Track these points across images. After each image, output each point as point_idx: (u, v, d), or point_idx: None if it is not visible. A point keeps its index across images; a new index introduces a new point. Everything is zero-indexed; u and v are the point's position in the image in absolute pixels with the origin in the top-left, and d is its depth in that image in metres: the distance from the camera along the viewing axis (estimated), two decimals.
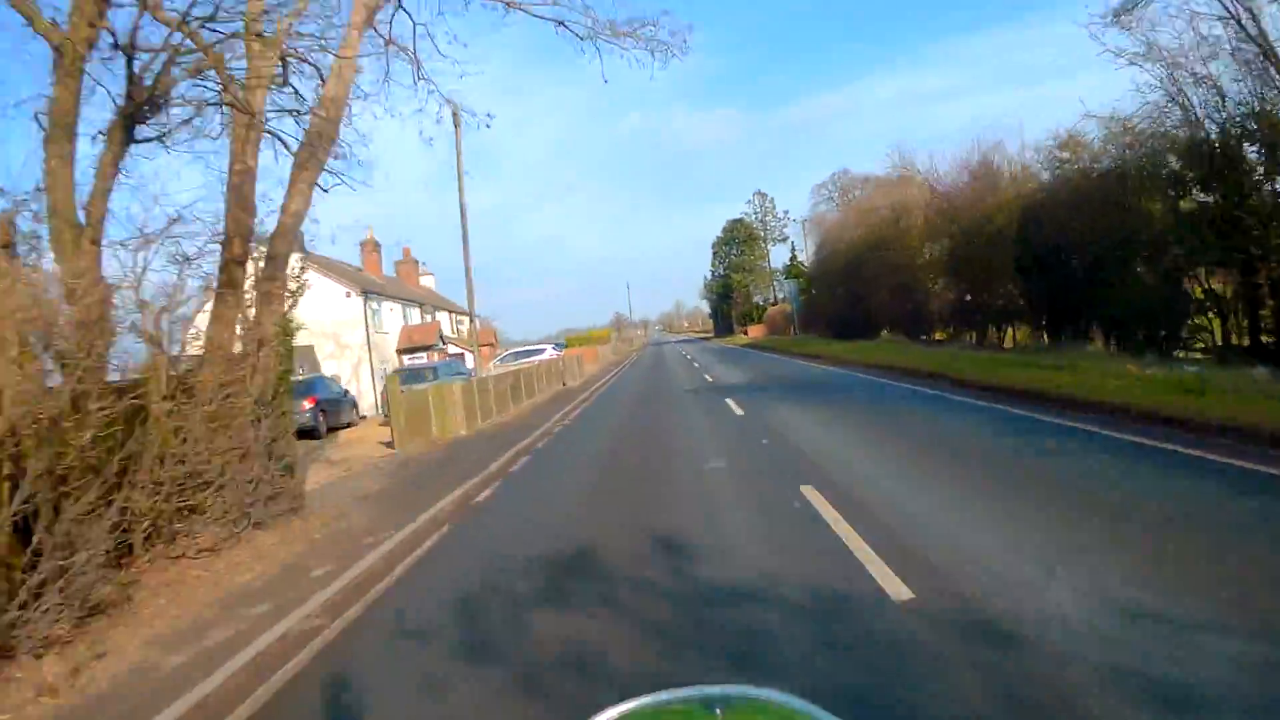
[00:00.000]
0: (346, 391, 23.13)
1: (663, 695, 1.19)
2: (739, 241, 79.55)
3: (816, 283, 47.23)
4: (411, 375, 21.02)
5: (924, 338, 29.49)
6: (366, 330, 28.57)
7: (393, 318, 32.85)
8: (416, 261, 47.49)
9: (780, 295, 76.03)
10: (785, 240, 78.18)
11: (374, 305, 29.90)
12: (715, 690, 1.20)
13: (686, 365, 34.35)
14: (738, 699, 1.18)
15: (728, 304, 79.76)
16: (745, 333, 73.05)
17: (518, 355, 34.37)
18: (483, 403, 17.88)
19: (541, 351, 34.14)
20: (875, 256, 32.45)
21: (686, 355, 45.89)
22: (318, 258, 29.65)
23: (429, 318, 38.48)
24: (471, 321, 23.34)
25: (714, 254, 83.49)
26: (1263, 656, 3.06)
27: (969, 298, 26.31)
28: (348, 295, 28.82)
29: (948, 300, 28.86)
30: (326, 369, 28.30)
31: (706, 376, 25.15)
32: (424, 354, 31.45)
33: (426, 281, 51.38)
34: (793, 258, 75.91)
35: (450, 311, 47.06)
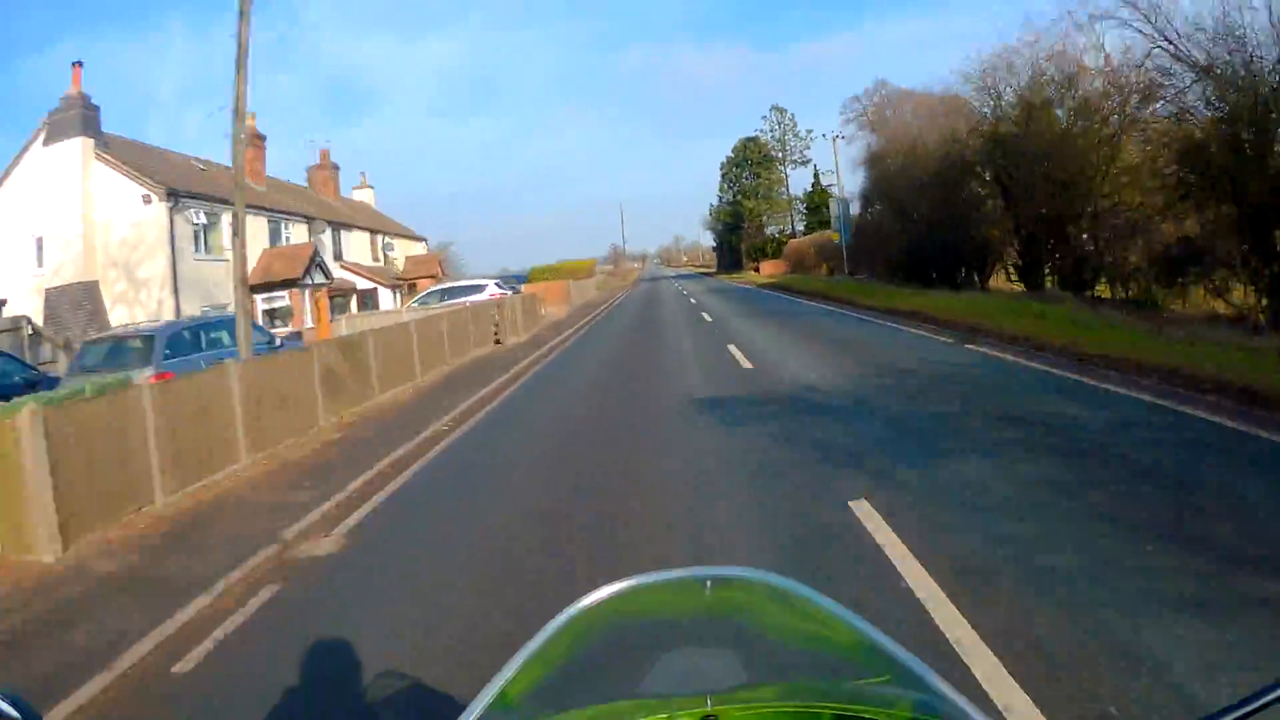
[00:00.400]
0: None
1: (656, 576, 1.29)
2: (752, 164, 67.60)
3: (873, 210, 35.63)
4: (109, 353, 10.33)
5: (1089, 294, 18.11)
6: (171, 253, 17.84)
7: (257, 239, 22.01)
8: (336, 167, 36.22)
9: (799, 227, 64.75)
10: (806, 164, 66.44)
11: (194, 216, 19.02)
12: (701, 571, 1.32)
13: (690, 319, 23.16)
14: (726, 577, 1.31)
15: (736, 235, 68.18)
16: (756, 269, 62.03)
17: (446, 294, 23.68)
18: (252, 420, 7.52)
19: (479, 289, 23.44)
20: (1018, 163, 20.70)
21: (687, 295, 36.62)
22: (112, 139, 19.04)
23: (333, 241, 27.66)
24: (236, 234, 12.83)
25: (722, 177, 71.69)
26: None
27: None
28: (146, 200, 18.02)
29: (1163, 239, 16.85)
30: (117, 317, 17.78)
31: (741, 360, 12.48)
32: (284, 293, 20.69)
33: (363, 196, 40.24)
34: (815, 183, 64.33)
35: (383, 234, 36.08)
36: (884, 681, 1.09)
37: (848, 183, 48.55)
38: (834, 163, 48.43)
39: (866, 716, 0.96)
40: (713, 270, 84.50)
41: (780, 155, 67.48)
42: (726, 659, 1.21)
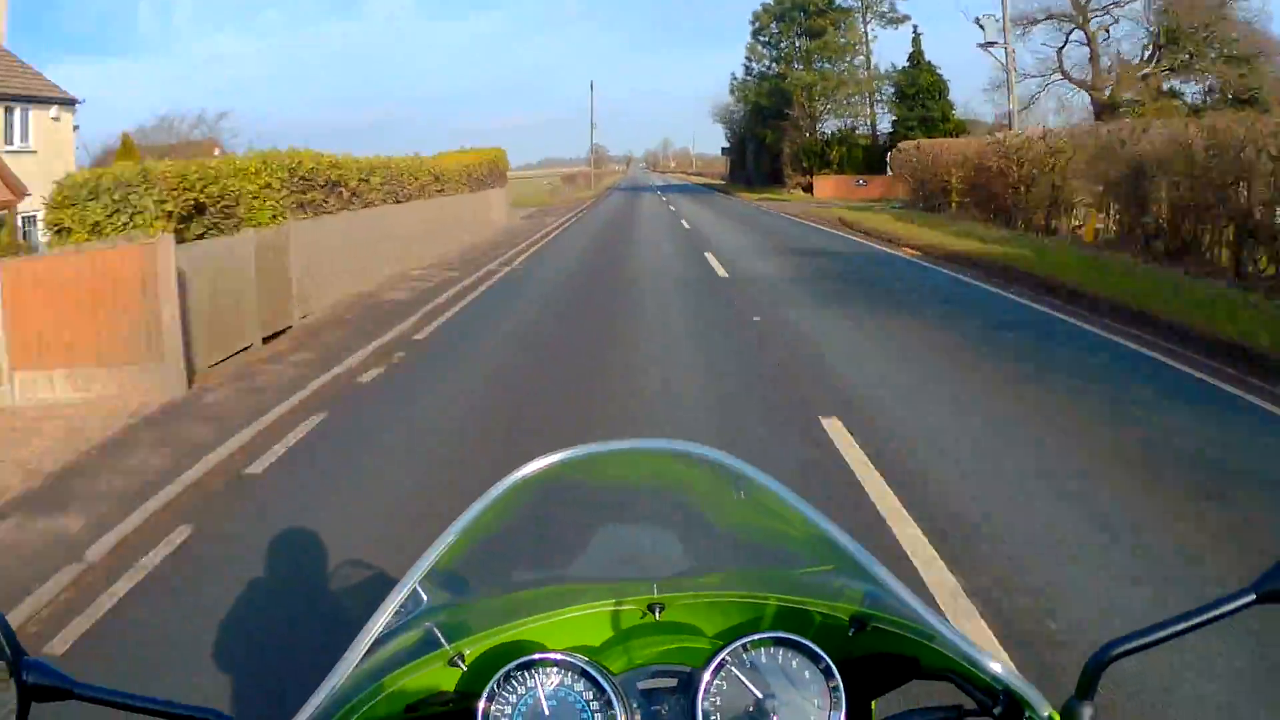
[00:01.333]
0: None
1: (603, 445, 1.16)
2: (810, 13, 41.00)
3: None
4: None
5: None
6: None
7: None
8: None
9: (885, 125, 39.42)
10: (900, 22, 40.10)
11: None
12: (658, 443, 1.19)
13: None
14: (677, 452, 1.20)
15: (771, 130, 41.11)
16: (806, 186, 37.23)
17: None
18: None
19: None
20: None
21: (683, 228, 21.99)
22: None
23: None
24: None
25: (754, 34, 44.35)
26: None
27: None
28: None
29: None
30: None
31: None
32: None
33: None
34: (916, 53, 38.56)
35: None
36: (829, 570, 1.10)
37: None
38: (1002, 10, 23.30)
39: (811, 608, 1.02)
40: (722, 183, 59.17)
41: (860, 5, 40.90)
42: (669, 539, 1.24)
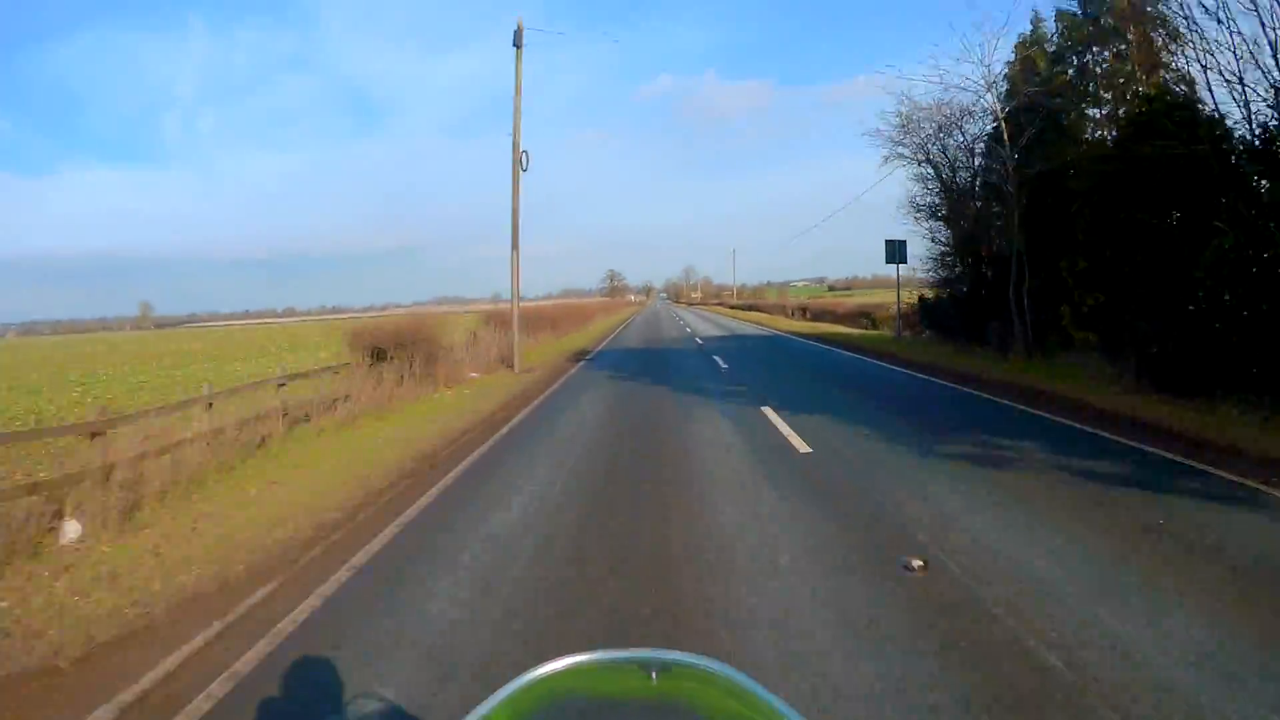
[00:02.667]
0: None
1: (607, 654, 1.23)
2: None
3: None
4: None
5: None
6: None
7: None
8: None
9: None
10: None
11: None
12: (652, 654, 1.22)
13: None
14: (675, 664, 1.21)
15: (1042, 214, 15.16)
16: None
17: None
18: None
19: None
20: None
21: None
22: None
23: None
24: None
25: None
26: None
27: None
28: None
29: None
30: None
31: None
32: None
33: None
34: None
35: None
36: None
37: None
38: None
39: None
40: (805, 326, 37.24)
41: None
42: None
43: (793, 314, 48.25)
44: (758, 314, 56.81)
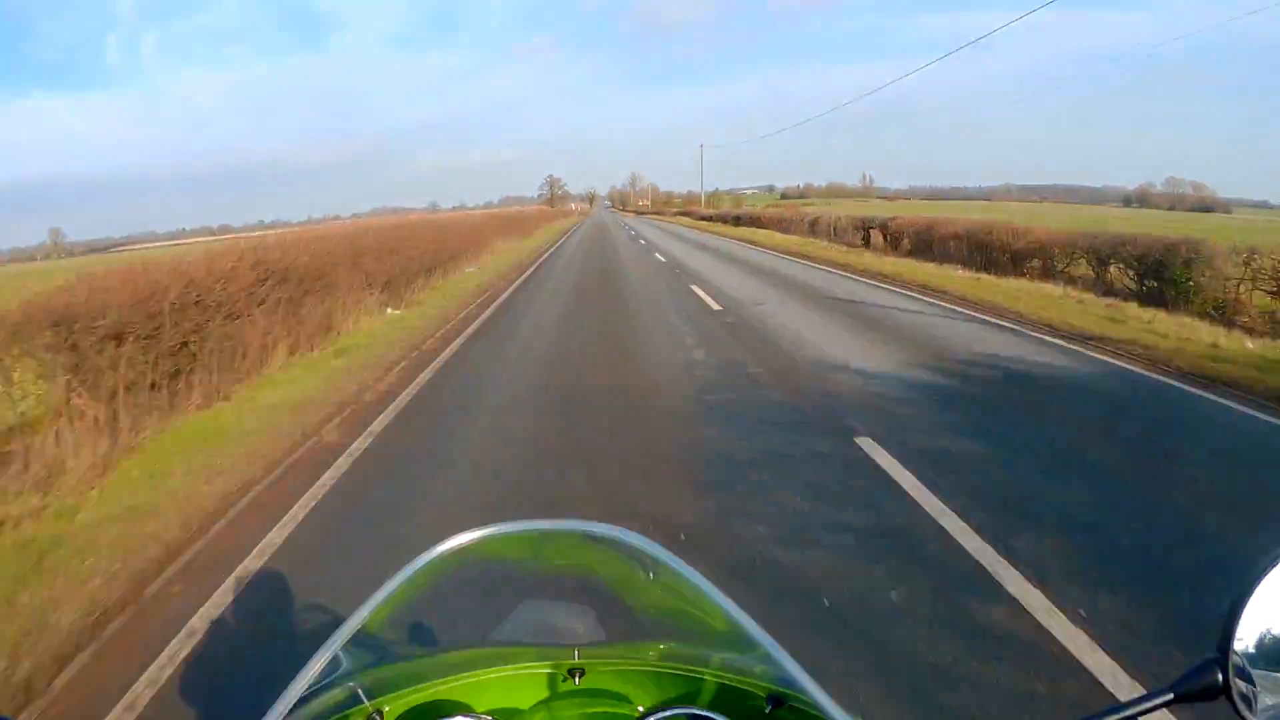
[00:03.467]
0: None
1: (525, 524, 1.20)
2: None
3: None
4: None
5: None
6: None
7: None
8: None
9: None
10: None
11: None
12: (579, 525, 1.21)
13: None
14: (598, 536, 1.20)
15: None
16: None
17: None
18: None
19: None
20: None
21: None
22: None
23: None
24: None
25: None
26: None
27: None
28: None
29: None
30: None
31: None
32: None
33: None
34: None
35: None
36: (742, 655, 1.08)
37: None
38: None
39: (731, 683, 1.02)
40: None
41: None
42: (587, 615, 1.21)
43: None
44: (754, 231, 36.09)
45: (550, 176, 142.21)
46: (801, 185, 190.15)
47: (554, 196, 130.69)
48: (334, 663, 1.01)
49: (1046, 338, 8.94)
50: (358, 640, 1.04)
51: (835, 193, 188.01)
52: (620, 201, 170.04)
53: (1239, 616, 0.71)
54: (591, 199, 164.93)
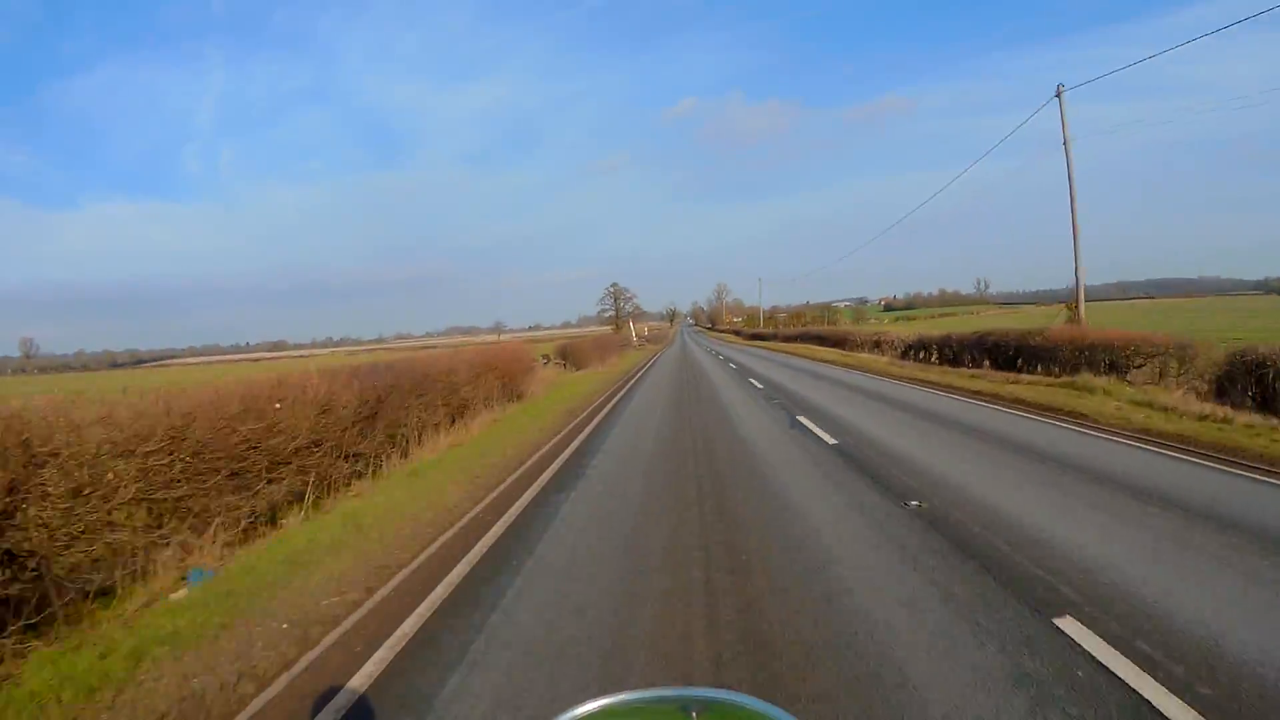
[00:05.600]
0: None
1: (643, 694, 1.23)
2: None
3: None
4: None
5: None
6: None
7: None
8: None
9: None
10: None
11: None
12: (695, 692, 1.22)
13: None
14: (716, 703, 1.20)
15: None
16: None
17: None
18: None
19: None
20: None
21: None
22: None
23: None
24: None
25: None
26: None
27: None
28: None
29: None
30: None
31: None
32: None
33: None
34: None
35: None
36: None
37: None
38: None
39: None
40: None
41: None
42: None
43: None
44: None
45: (614, 286, 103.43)
46: (908, 294, 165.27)
47: (619, 315, 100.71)
48: None
49: None
50: None
51: (947, 302, 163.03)
52: (713, 318, 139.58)
53: None
54: (672, 316, 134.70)
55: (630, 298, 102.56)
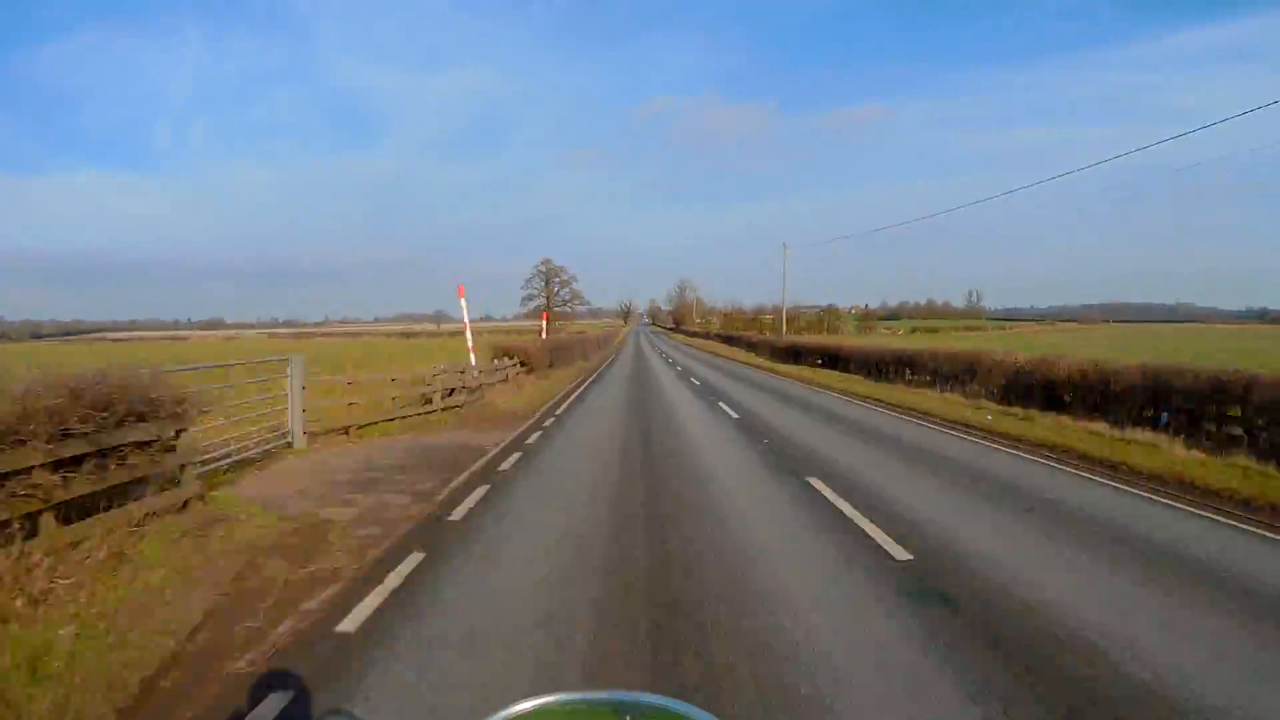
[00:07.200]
0: None
1: (578, 695, 1.20)
2: None
3: None
4: None
5: None
6: None
7: None
8: None
9: None
10: None
11: None
12: (627, 696, 1.20)
13: None
14: (648, 707, 1.17)
15: None
16: None
17: None
18: None
19: None
20: None
21: None
22: None
23: None
24: None
25: None
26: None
27: None
28: None
29: None
30: None
31: None
32: None
33: None
34: None
35: None
36: None
37: None
38: None
39: None
40: None
41: None
42: None
43: None
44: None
45: (546, 263, 79.41)
46: (892, 304, 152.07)
47: (551, 305, 79.32)
48: None
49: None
50: None
51: (935, 314, 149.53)
52: (676, 317, 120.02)
53: None
54: (627, 313, 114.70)
55: (568, 281, 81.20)
